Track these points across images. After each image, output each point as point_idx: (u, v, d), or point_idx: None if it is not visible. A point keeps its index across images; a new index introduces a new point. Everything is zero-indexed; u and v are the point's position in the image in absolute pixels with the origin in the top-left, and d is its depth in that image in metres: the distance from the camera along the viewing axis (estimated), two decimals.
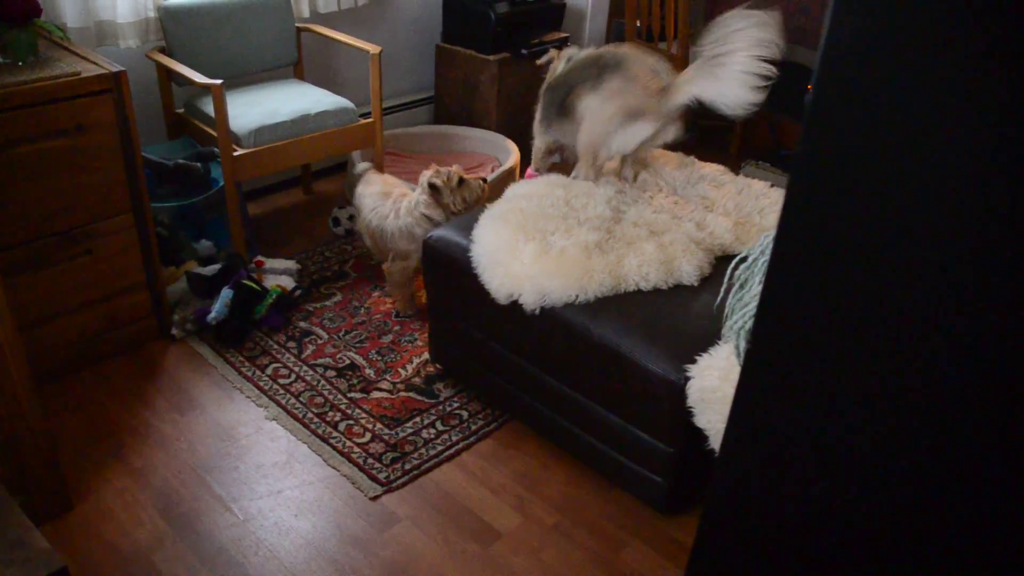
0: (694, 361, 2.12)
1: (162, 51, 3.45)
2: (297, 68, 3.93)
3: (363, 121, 3.66)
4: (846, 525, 1.17)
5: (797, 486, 1.20)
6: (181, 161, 3.33)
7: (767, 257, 1.99)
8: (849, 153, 1.02)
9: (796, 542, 1.25)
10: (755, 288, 1.97)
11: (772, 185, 2.88)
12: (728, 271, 2.09)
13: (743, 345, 1.93)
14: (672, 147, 2.90)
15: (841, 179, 1.03)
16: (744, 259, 2.07)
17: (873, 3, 0.94)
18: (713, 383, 2.02)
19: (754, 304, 1.92)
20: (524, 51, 4.35)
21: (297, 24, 3.83)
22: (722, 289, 2.15)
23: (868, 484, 1.12)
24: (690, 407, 2.09)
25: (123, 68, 2.66)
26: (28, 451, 2.20)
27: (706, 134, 5.11)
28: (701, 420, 2.07)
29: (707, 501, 1.40)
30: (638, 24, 4.63)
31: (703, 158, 3.10)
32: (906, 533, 1.11)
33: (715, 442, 2.06)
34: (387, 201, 3.21)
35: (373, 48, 3.63)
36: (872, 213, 1.01)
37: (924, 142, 0.95)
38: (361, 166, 3.57)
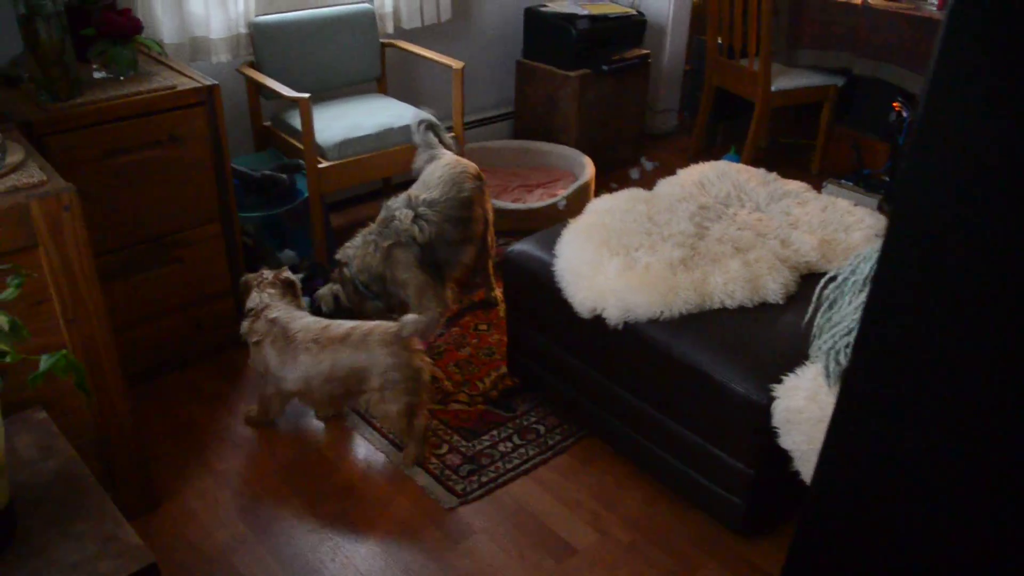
0: (778, 381, 2.08)
1: (252, 66, 3.55)
2: (380, 83, 4.00)
3: None
4: (951, 559, 1.13)
5: (898, 515, 1.16)
6: (268, 172, 3.42)
7: (857, 277, 1.96)
8: (959, 173, 0.99)
9: (894, 572, 1.21)
10: (845, 308, 1.93)
11: (856, 204, 2.82)
12: (817, 290, 2.06)
13: (833, 366, 1.89)
14: (754, 163, 2.86)
15: (951, 198, 1.00)
16: (833, 278, 2.03)
17: (988, 26, 0.92)
18: (799, 404, 1.98)
19: (844, 324, 1.89)
20: (605, 67, 4.35)
21: (381, 40, 3.90)
22: (810, 308, 2.11)
23: (979, 516, 1.08)
24: (775, 428, 2.04)
25: (216, 82, 2.74)
26: (118, 450, 2.27)
27: (787, 151, 5.03)
28: (786, 441, 2.03)
29: (799, 526, 1.37)
30: (719, 41, 4.60)
31: (783, 176, 3.05)
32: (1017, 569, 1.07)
33: (800, 464, 2.02)
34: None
35: (456, 63, 3.67)
36: (980, 228, 0.99)
37: None
38: None
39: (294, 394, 2.60)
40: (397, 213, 2.94)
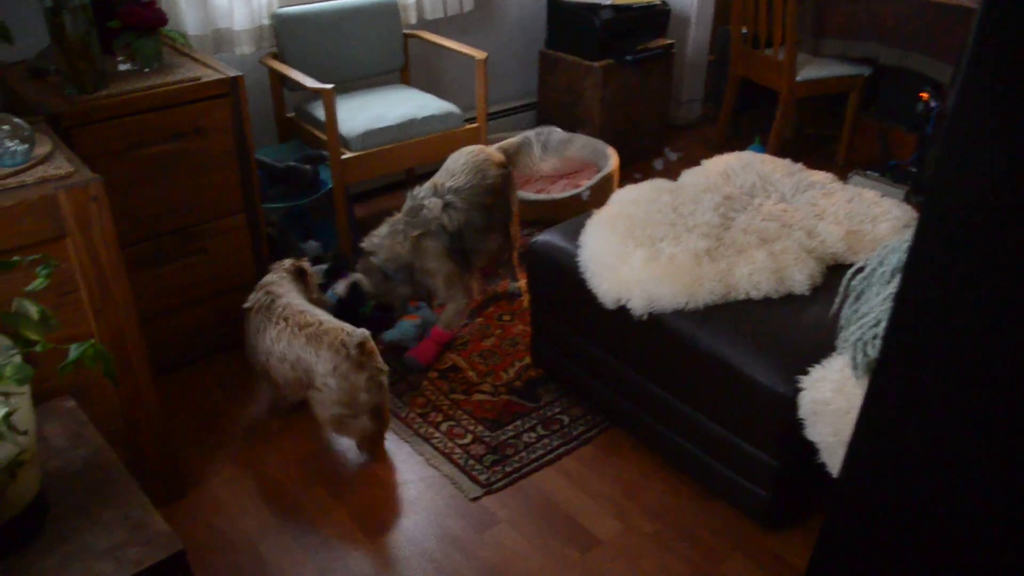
0: (804, 373, 2.07)
1: (275, 57, 3.56)
2: (403, 73, 4.00)
3: (468, 126, 3.70)
4: (981, 553, 1.11)
5: (928, 507, 1.15)
6: (291, 163, 3.43)
7: (884, 268, 1.94)
8: (992, 163, 0.97)
9: (927, 564, 1.20)
10: (872, 299, 1.91)
11: (882, 195, 2.79)
12: (844, 281, 2.04)
13: (860, 357, 1.87)
14: (779, 154, 2.83)
15: (984, 188, 0.99)
16: (860, 269, 2.01)
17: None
18: (826, 395, 1.97)
19: (872, 315, 1.87)
20: (629, 57, 4.33)
21: (404, 31, 3.90)
22: (837, 300, 2.09)
23: (1009, 510, 1.07)
24: (801, 419, 2.03)
25: (240, 73, 2.74)
26: (146, 438, 2.29)
27: (812, 142, 4.99)
28: (812, 433, 2.01)
29: (827, 518, 1.36)
30: (744, 31, 4.56)
31: (809, 166, 3.02)
32: None
33: (826, 456, 2.00)
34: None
35: (479, 54, 3.66)
36: (1013, 219, 0.97)
37: None
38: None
39: (260, 367, 2.61)
40: (425, 202, 2.94)
